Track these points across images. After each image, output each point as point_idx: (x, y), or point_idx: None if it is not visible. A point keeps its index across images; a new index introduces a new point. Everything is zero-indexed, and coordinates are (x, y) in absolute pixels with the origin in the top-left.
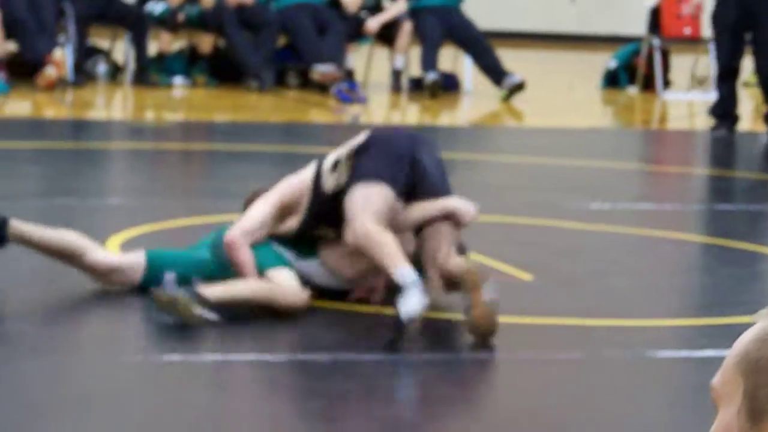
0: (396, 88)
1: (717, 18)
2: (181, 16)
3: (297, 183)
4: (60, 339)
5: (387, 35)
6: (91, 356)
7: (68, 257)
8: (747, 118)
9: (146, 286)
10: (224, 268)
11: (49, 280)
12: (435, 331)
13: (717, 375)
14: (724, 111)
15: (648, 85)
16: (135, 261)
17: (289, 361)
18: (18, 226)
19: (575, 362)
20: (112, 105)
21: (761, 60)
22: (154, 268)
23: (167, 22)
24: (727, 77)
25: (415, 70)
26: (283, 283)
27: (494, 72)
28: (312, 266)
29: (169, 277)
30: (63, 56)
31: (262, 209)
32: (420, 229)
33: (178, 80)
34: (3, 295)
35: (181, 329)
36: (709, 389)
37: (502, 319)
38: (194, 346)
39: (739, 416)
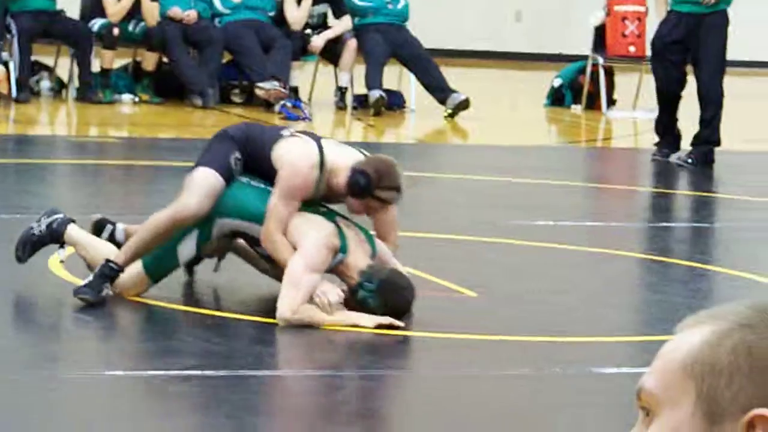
0: (341, 105)
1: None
2: (116, 31)
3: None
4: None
5: (332, 53)
6: (33, 372)
7: None
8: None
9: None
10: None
11: None
12: (376, 347)
13: (651, 380)
14: (665, 129)
15: (592, 103)
16: (136, 275)
17: (229, 376)
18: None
19: (518, 378)
20: (56, 121)
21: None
22: (159, 277)
23: (104, 38)
24: (667, 96)
25: (360, 87)
26: None
27: (439, 90)
28: None
29: None
30: (6, 72)
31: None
32: None
33: (125, 97)
34: None
35: (122, 345)
36: (642, 395)
37: (446, 335)
38: (136, 361)
39: (693, 419)
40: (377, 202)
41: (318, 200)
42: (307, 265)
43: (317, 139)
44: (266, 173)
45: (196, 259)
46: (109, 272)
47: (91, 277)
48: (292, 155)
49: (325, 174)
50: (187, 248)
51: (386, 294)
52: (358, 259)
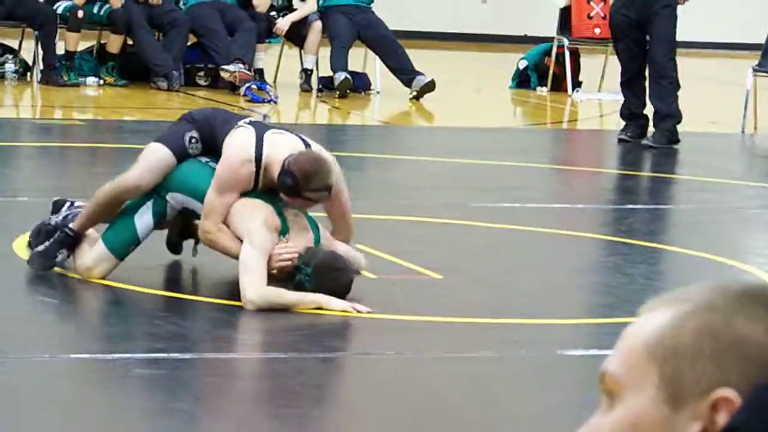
0: (306, 88)
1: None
2: (80, 14)
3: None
4: None
5: (297, 35)
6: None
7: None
8: None
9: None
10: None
11: None
12: (341, 329)
13: (614, 364)
14: (631, 113)
15: (558, 85)
16: (100, 253)
17: (194, 358)
18: None
19: (484, 361)
20: (21, 104)
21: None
22: (122, 252)
23: (69, 20)
24: (631, 73)
25: (325, 70)
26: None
27: (404, 72)
28: None
29: None
30: None
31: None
32: None
33: (90, 80)
34: None
35: (87, 328)
36: (605, 378)
37: (413, 317)
38: (101, 344)
39: (656, 402)
40: (308, 201)
41: (265, 191)
42: (256, 249)
43: (262, 131)
44: None
45: (177, 242)
46: (65, 238)
47: (47, 243)
48: (230, 149)
49: (263, 168)
50: (143, 221)
51: (322, 277)
52: (299, 243)
